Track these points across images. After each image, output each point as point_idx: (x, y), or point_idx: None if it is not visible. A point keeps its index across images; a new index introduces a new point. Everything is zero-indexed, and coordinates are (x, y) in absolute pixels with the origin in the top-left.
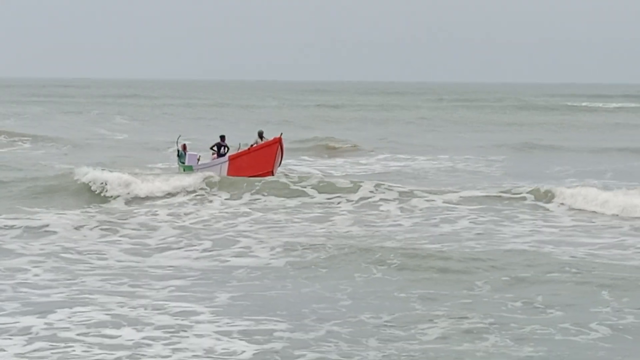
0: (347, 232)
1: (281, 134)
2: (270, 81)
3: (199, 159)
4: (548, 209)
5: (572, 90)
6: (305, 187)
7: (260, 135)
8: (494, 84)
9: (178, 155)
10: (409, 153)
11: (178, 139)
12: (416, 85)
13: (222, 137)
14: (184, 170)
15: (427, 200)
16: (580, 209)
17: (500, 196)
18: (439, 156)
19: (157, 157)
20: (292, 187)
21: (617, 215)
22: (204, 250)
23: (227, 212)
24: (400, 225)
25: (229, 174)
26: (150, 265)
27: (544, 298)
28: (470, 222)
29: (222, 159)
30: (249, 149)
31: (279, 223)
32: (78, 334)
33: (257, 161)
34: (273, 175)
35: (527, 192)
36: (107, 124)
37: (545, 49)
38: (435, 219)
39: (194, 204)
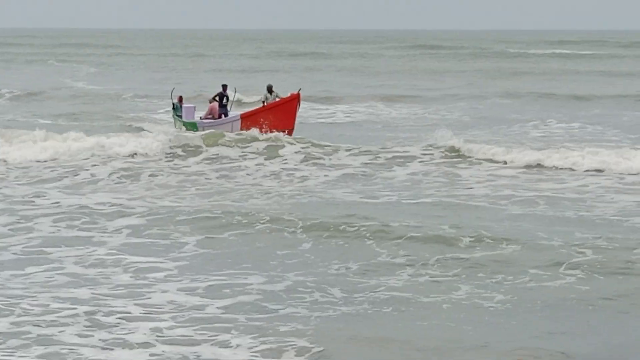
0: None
1: (300, 89)
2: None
3: (195, 110)
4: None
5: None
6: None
7: (270, 89)
8: (462, 31)
9: (173, 108)
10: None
11: (172, 91)
12: (388, 33)
13: (224, 87)
14: (183, 126)
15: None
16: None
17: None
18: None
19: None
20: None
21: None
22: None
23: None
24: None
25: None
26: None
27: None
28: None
29: (232, 117)
30: (263, 105)
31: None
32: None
33: (277, 118)
34: (291, 134)
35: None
36: (74, 74)
37: None
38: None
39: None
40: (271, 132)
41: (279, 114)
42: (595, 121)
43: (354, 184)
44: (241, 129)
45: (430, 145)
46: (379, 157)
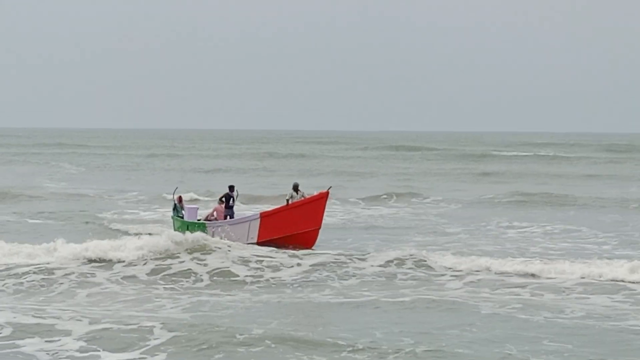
0: None
1: (329, 187)
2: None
3: (198, 211)
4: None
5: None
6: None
7: (296, 188)
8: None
9: (174, 209)
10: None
11: (175, 190)
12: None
13: (231, 187)
14: (182, 227)
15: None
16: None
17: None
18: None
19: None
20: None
21: None
22: None
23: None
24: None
25: (261, 234)
26: None
27: None
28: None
29: (250, 216)
30: (287, 204)
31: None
32: None
33: (303, 216)
34: (316, 235)
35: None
36: (52, 173)
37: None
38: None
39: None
40: (292, 237)
41: (306, 211)
42: (575, 223)
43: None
44: (260, 229)
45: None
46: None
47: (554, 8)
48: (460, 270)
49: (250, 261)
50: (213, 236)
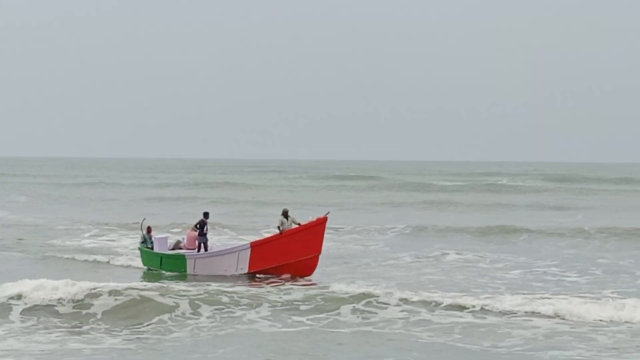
0: None
1: (328, 212)
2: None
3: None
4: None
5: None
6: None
7: (285, 214)
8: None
9: (143, 242)
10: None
11: (143, 221)
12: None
13: (206, 214)
14: (154, 259)
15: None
16: None
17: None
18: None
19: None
20: None
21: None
22: None
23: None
24: None
25: (252, 264)
26: None
27: None
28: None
29: (239, 245)
30: (280, 232)
31: None
32: None
33: (301, 244)
34: (316, 262)
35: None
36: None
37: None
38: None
39: None
40: (289, 266)
41: (303, 238)
42: (525, 254)
43: None
44: (251, 259)
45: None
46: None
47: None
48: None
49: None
50: (194, 268)
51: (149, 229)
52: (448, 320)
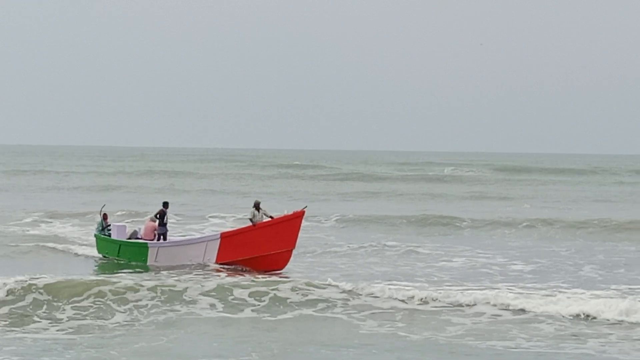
0: None
1: (305, 207)
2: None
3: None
4: None
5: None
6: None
7: (257, 206)
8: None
9: (103, 228)
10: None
11: (102, 207)
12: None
13: (166, 204)
14: (111, 247)
15: None
16: None
17: None
18: None
19: None
20: None
21: None
22: None
23: None
24: None
25: (220, 256)
26: None
27: None
28: None
29: (208, 235)
30: (254, 224)
31: None
32: None
33: (275, 237)
34: (289, 256)
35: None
36: None
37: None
38: None
39: None
40: (259, 259)
41: (278, 231)
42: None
43: None
44: (219, 250)
45: None
46: None
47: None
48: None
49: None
50: (156, 258)
51: (105, 216)
52: (390, 307)
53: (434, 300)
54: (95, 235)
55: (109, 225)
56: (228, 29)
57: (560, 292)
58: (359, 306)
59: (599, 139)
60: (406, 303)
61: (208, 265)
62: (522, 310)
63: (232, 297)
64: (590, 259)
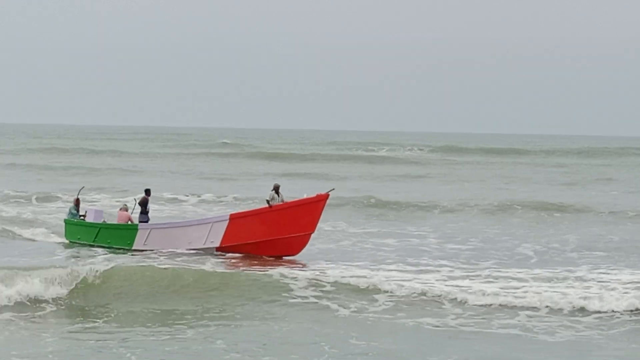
0: None
1: (332, 189)
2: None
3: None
4: None
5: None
6: None
7: (277, 189)
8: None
9: (76, 213)
10: None
11: (80, 190)
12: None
13: (148, 191)
14: (85, 232)
15: None
16: None
17: None
18: None
19: None
20: None
21: None
22: None
23: None
24: None
25: (226, 238)
26: None
27: None
28: None
29: (215, 217)
30: (269, 206)
31: None
32: None
33: (295, 220)
34: (306, 240)
35: None
36: None
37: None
38: None
39: None
40: (271, 243)
41: (299, 214)
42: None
43: None
44: (226, 232)
45: None
46: None
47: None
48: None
49: None
50: (145, 241)
51: (77, 202)
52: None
53: (366, 278)
54: (65, 221)
55: (83, 215)
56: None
57: (493, 271)
58: (289, 282)
59: (540, 119)
60: (329, 283)
61: (210, 249)
62: (452, 290)
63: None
64: (524, 239)
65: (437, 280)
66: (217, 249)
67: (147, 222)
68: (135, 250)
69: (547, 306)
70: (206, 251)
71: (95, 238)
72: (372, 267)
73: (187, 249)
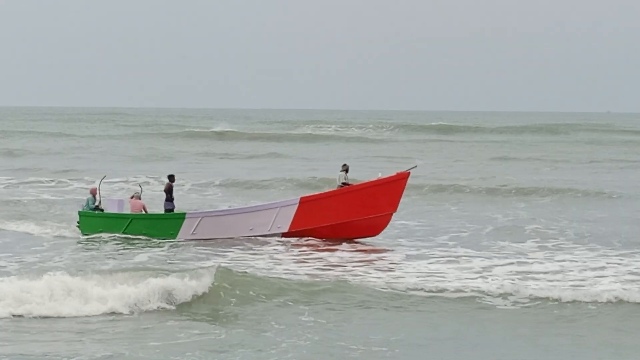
0: None
1: (415, 166)
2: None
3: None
4: None
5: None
6: None
7: (347, 169)
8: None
9: (96, 205)
10: None
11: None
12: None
13: (171, 177)
14: (105, 224)
15: None
16: None
17: None
18: None
19: None
20: None
21: None
22: None
23: None
24: None
25: (295, 222)
26: None
27: None
28: None
29: (282, 201)
30: (342, 187)
31: None
32: None
33: (375, 200)
34: (390, 218)
35: None
36: None
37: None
38: None
39: None
40: (349, 225)
41: (378, 193)
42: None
43: None
44: (295, 217)
45: None
46: None
47: None
48: None
49: None
50: (194, 230)
51: (93, 191)
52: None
53: (325, 260)
54: (81, 213)
55: (97, 206)
56: None
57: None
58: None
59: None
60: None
61: (276, 234)
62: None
63: None
64: (475, 220)
65: None
66: (284, 234)
67: (172, 209)
68: (179, 240)
69: None
70: (270, 237)
71: (125, 229)
72: None
73: (246, 236)
